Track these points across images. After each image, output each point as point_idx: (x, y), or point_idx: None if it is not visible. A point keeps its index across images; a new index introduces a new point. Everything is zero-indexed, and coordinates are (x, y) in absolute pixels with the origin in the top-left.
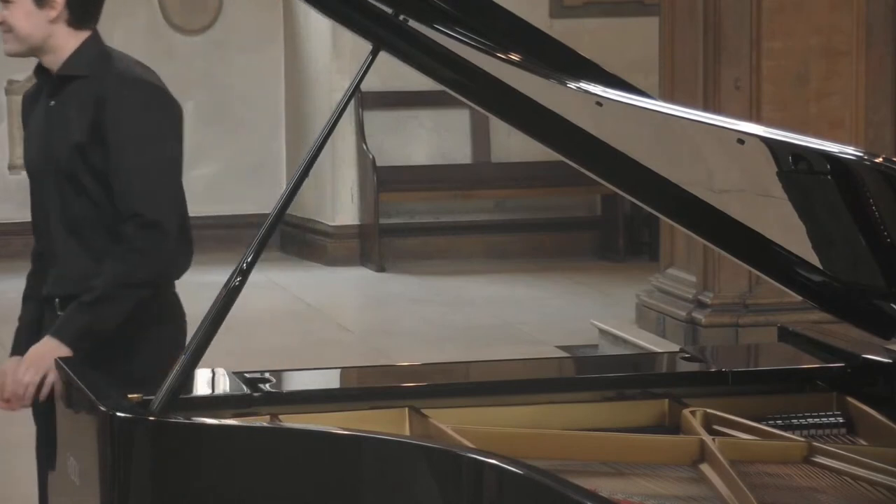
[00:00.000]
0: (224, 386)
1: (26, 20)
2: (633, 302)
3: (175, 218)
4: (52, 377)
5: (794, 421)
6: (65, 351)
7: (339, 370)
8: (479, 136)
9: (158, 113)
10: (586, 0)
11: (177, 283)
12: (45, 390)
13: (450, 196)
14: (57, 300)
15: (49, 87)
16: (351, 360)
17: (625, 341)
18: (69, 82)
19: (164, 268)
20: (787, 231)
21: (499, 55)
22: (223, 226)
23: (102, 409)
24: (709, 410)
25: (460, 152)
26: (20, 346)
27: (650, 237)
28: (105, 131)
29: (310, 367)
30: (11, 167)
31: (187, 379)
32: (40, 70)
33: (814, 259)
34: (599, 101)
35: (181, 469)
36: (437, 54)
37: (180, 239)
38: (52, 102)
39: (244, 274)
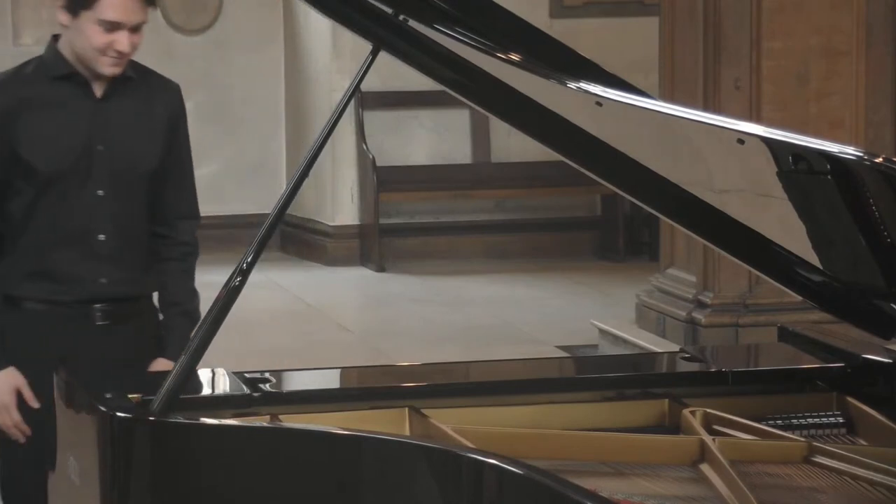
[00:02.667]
0: (224, 386)
1: None
2: (633, 302)
3: None
4: None
5: (794, 421)
6: None
7: (339, 370)
8: (479, 136)
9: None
10: (586, 0)
11: None
12: None
13: (450, 196)
14: (98, 305)
15: (86, 89)
16: (351, 360)
17: (625, 341)
18: (117, 85)
19: None
20: (787, 231)
21: (499, 55)
22: (223, 226)
23: (102, 409)
24: (709, 410)
25: (460, 152)
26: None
27: (650, 237)
28: (170, 135)
29: (310, 367)
30: None
31: (187, 379)
32: (66, 74)
33: (814, 259)
34: (599, 101)
35: (181, 469)
36: (437, 54)
37: None
38: (106, 104)
39: (244, 274)
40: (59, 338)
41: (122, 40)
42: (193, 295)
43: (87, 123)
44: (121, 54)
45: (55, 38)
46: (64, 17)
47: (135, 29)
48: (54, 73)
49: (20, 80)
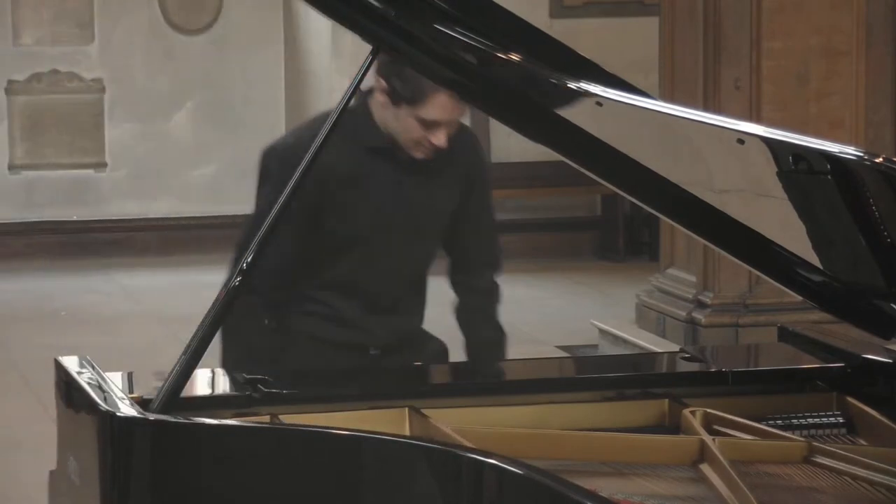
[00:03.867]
0: (224, 386)
1: None
2: (633, 302)
3: None
4: None
5: (794, 421)
6: None
7: (339, 370)
8: (479, 136)
9: None
10: (586, 0)
11: (178, 282)
12: None
13: None
14: (378, 349)
15: (394, 159)
16: None
17: (625, 341)
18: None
19: None
20: (787, 231)
21: (499, 55)
22: (223, 226)
23: (102, 409)
24: (709, 410)
25: None
26: None
27: (650, 237)
28: (466, 187)
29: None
30: (11, 167)
31: (187, 379)
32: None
33: (814, 259)
34: (599, 102)
35: (181, 469)
36: (437, 54)
37: None
38: (410, 172)
39: (244, 274)
40: (333, 362)
41: (440, 136)
42: (497, 336)
43: (391, 192)
44: (436, 148)
45: (367, 94)
46: (382, 99)
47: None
48: (367, 143)
49: (332, 146)
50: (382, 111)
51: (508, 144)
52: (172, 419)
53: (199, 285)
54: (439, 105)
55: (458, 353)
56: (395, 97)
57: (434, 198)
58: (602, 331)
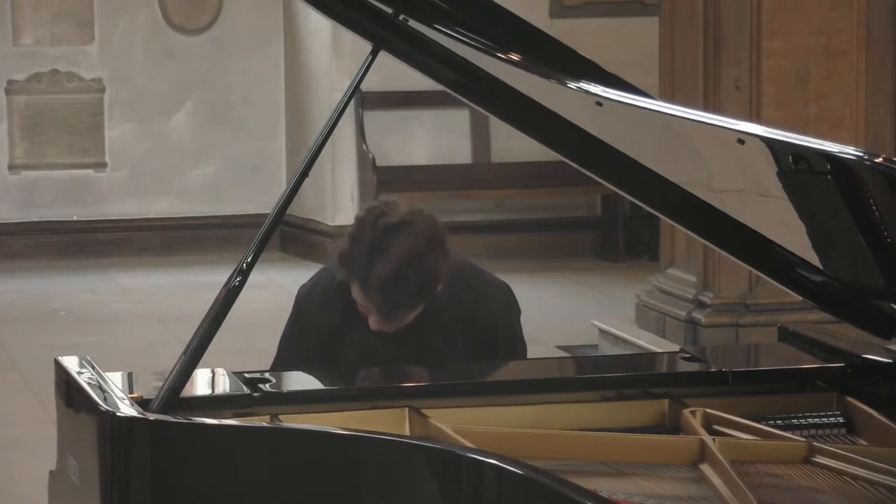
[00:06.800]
0: (224, 386)
1: None
2: (633, 302)
3: None
4: None
5: (794, 421)
6: None
7: (339, 370)
8: (479, 136)
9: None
10: (586, 0)
11: (178, 282)
12: None
13: (449, 196)
14: None
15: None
16: None
17: (625, 341)
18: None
19: None
20: (787, 231)
21: (499, 55)
22: (223, 226)
23: (102, 408)
24: (709, 410)
25: (460, 152)
26: None
27: (650, 237)
28: (485, 335)
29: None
30: (11, 167)
31: (187, 379)
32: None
33: (814, 259)
34: (599, 101)
35: (181, 469)
36: (437, 54)
37: None
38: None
39: (244, 274)
40: None
41: (371, 319)
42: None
43: (394, 336)
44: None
45: None
46: None
47: None
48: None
49: (339, 289)
50: None
51: (508, 144)
52: (172, 419)
53: (198, 285)
54: (354, 292)
55: None
56: None
57: (448, 340)
58: (602, 331)
